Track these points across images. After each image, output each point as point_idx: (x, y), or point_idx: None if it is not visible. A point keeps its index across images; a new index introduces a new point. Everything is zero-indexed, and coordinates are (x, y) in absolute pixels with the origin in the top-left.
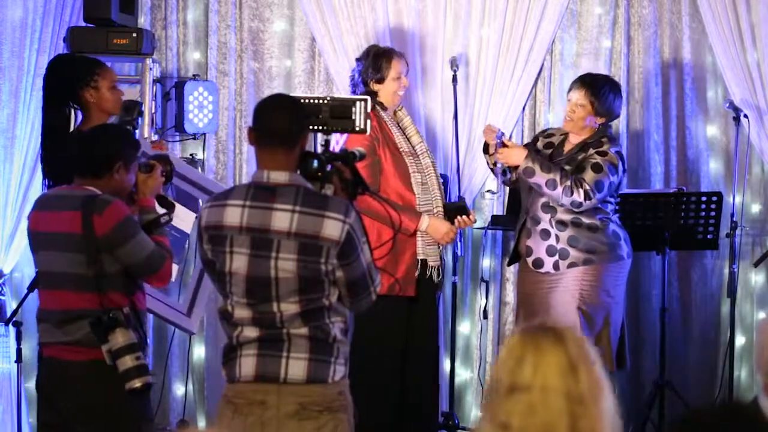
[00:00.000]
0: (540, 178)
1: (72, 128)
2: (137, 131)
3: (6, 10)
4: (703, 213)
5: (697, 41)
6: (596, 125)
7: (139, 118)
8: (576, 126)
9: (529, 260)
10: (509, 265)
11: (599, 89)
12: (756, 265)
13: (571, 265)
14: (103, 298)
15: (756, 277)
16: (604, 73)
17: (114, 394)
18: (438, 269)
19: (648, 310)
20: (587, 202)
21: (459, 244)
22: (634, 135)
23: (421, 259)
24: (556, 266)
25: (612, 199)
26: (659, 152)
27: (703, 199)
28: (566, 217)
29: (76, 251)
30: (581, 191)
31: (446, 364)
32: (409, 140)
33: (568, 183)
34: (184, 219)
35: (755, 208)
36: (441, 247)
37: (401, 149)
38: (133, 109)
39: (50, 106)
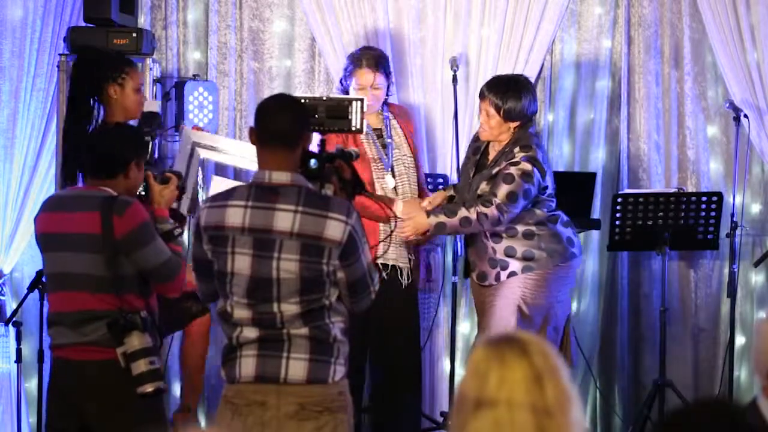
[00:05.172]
0: (452, 224)
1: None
2: (156, 141)
3: (6, 9)
4: (703, 213)
5: (697, 41)
6: (512, 130)
7: (157, 132)
8: (491, 135)
9: (474, 274)
10: (466, 277)
11: (503, 94)
12: (756, 265)
13: (511, 275)
14: (121, 300)
15: (756, 277)
16: (511, 74)
17: (129, 395)
18: (408, 272)
19: (648, 309)
20: (505, 216)
21: (459, 243)
22: (634, 135)
23: (390, 264)
24: (497, 278)
25: (549, 201)
26: (659, 152)
27: (704, 199)
28: (500, 228)
29: (95, 252)
30: (493, 208)
31: (446, 364)
32: (381, 145)
33: (479, 209)
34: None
35: (755, 208)
36: (410, 248)
37: (366, 155)
38: (152, 120)
39: (75, 97)
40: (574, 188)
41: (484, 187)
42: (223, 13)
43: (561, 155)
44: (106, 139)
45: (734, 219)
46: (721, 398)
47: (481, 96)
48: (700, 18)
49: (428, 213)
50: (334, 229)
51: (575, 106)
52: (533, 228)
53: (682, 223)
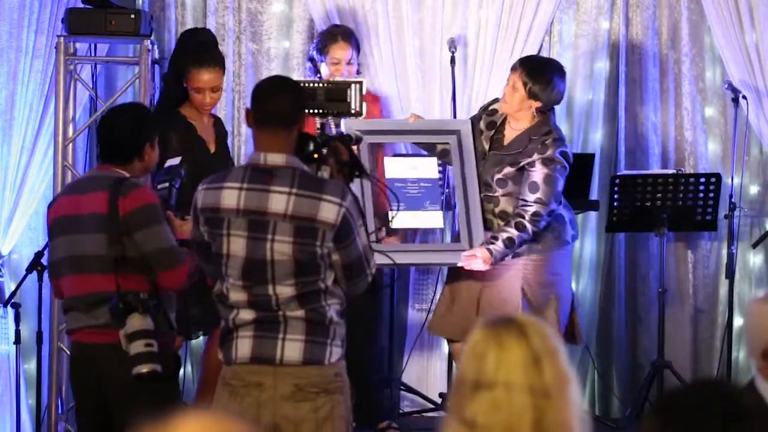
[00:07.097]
0: (514, 250)
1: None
2: (174, 190)
3: None
4: (702, 194)
5: (695, 22)
6: (534, 111)
7: (178, 181)
8: (510, 108)
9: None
10: None
11: (535, 71)
12: (754, 246)
13: (515, 255)
14: (126, 282)
15: (754, 258)
16: (547, 57)
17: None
18: None
19: (646, 291)
20: (552, 213)
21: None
22: (632, 116)
23: None
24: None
25: None
26: (657, 133)
27: (702, 180)
28: (509, 208)
29: (101, 231)
30: (543, 220)
31: (444, 345)
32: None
33: (534, 229)
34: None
35: (753, 189)
36: None
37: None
38: (173, 173)
39: (165, 82)
40: (572, 169)
41: (508, 171)
42: None
43: None
44: (118, 123)
45: (732, 200)
46: (719, 379)
47: (513, 68)
48: None
49: (487, 247)
50: (328, 211)
51: (573, 87)
52: None
53: (680, 204)
